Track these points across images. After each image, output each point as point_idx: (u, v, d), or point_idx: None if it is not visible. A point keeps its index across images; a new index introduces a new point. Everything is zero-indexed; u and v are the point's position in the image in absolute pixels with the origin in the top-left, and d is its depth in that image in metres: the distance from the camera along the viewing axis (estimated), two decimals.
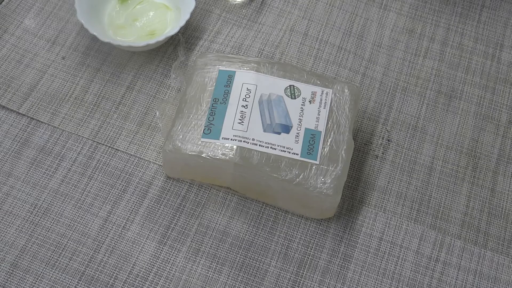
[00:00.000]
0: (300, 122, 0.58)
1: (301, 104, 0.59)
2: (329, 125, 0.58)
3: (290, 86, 0.60)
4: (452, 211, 0.62)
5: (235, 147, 0.56)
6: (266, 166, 0.56)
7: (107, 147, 0.63)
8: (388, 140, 0.66)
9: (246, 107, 0.58)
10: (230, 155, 0.56)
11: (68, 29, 0.70)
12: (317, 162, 0.57)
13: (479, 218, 0.62)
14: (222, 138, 0.57)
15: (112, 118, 0.65)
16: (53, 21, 0.70)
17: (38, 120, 0.64)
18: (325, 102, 0.59)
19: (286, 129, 0.58)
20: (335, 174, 0.56)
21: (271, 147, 0.57)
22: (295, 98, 0.59)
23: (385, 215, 0.61)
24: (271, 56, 0.69)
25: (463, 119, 0.67)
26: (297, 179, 0.56)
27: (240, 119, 0.58)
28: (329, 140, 0.58)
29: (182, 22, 0.65)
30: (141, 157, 0.63)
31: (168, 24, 0.69)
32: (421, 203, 0.62)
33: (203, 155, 0.56)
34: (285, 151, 0.57)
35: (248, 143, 0.57)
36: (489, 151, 0.65)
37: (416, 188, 0.63)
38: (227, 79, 0.60)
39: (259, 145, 0.57)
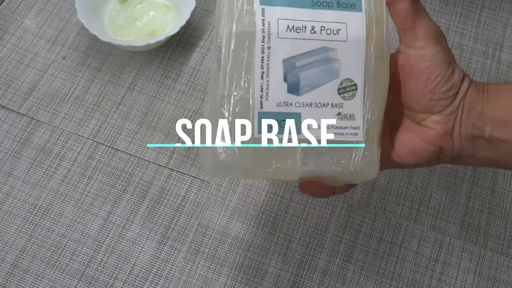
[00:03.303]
0: None
1: None
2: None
3: None
4: (452, 211, 0.62)
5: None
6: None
7: (107, 147, 0.63)
8: None
9: None
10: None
11: (68, 29, 0.70)
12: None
13: (479, 218, 0.62)
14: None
15: (112, 118, 0.65)
16: (54, 21, 0.70)
17: (38, 120, 0.64)
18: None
19: None
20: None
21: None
22: None
23: (385, 215, 0.61)
24: None
25: None
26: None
27: None
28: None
29: (182, 22, 0.65)
30: (141, 157, 0.63)
31: (169, 23, 0.69)
32: (421, 203, 0.62)
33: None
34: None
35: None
36: None
37: (416, 188, 0.63)
38: None
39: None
